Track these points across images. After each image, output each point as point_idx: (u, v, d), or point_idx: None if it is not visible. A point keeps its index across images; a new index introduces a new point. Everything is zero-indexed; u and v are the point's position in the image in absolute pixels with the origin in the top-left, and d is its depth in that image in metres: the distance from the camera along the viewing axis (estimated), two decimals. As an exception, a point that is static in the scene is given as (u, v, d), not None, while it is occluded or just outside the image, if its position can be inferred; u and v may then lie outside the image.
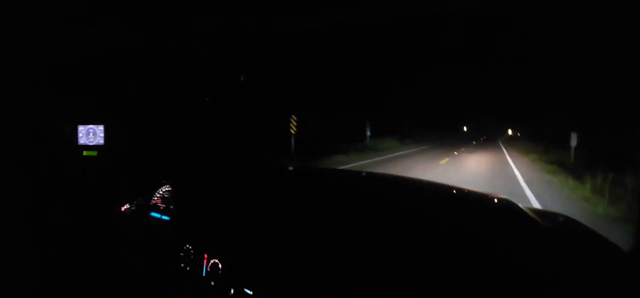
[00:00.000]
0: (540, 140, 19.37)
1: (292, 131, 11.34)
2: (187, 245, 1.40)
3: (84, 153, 2.44)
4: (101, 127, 2.45)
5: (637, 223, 0.93)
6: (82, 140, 2.45)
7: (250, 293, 1.13)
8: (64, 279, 1.63)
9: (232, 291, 1.18)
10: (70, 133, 2.41)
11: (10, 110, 2.10)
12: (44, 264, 1.71)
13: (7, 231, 1.85)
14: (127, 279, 1.55)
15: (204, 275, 1.30)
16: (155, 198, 1.79)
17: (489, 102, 48.32)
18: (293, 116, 11.10)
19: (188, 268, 1.37)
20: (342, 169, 3.97)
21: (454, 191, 1.57)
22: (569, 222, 1.29)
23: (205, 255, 1.32)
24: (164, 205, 1.74)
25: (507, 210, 1.26)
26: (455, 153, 16.53)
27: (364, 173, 1.90)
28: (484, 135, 47.62)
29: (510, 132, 48.85)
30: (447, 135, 35.95)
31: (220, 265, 1.27)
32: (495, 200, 1.36)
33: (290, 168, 2.15)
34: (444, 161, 12.50)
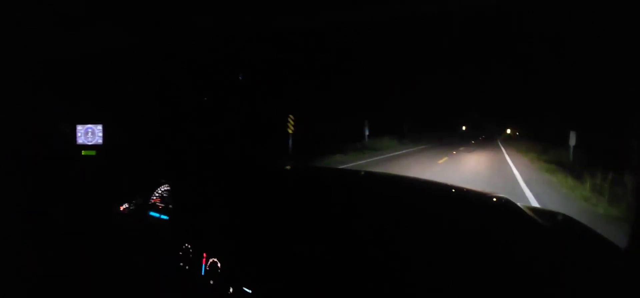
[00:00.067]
0: (539, 139, 19.41)
1: (290, 131, 11.33)
2: (186, 244, 1.41)
3: (83, 152, 2.45)
4: (100, 127, 2.46)
5: (633, 222, 0.94)
6: (81, 139, 2.46)
7: (249, 291, 1.14)
8: (63, 278, 1.64)
9: (231, 290, 1.19)
10: (69, 132, 2.42)
11: (10, 109, 2.11)
12: (44, 263, 1.71)
13: (6, 231, 1.85)
14: (126, 278, 1.56)
15: (203, 274, 1.31)
16: (154, 197, 1.80)
17: (488, 102, 48.47)
18: (290, 116, 11.09)
19: (187, 267, 1.38)
20: (340, 168, 3.96)
21: (453, 190, 1.57)
22: (567, 220, 1.30)
23: (204, 254, 1.32)
24: (162, 205, 1.74)
25: (506, 209, 1.26)
26: (454, 152, 16.55)
27: (362, 173, 1.90)
28: (483, 135, 47.72)
29: (508, 131, 48.93)
30: (446, 135, 35.97)
31: (219, 264, 1.27)
32: (494, 199, 1.36)
33: (289, 167, 2.16)
34: (442, 160, 12.52)
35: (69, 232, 1.83)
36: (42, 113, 2.28)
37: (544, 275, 0.91)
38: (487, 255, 0.99)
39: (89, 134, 2.43)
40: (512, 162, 12.73)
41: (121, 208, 1.84)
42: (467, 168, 10.57)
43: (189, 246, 1.40)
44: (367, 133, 17.53)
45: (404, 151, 16.82)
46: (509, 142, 31.41)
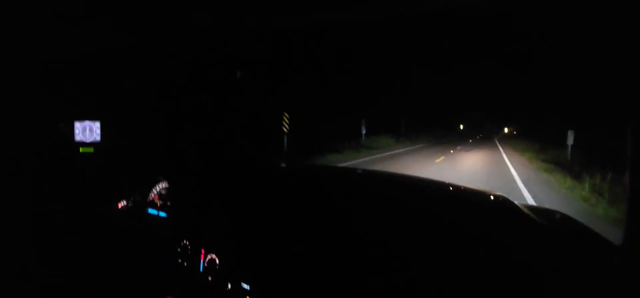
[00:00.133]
0: (536, 138, 19.35)
1: (285, 129, 11.18)
2: (185, 241, 1.43)
3: (81, 149, 2.45)
4: (97, 124, 2.45)
5: (628, 218, 0.94)
6: (79, 136, 2.45)
7: (247, 288, 1.15)
8: (60, 276, 1.66)
9: (229, 286, 1.20)
10: (67, 130, 2.42)
11: (9, 109, 2.11)
12: (41, 261, 1.74)
13: (5, 230, 1.86)
14: (124, 276, 1.57)
15: (201, 270, 1.33)
16: (152, 194, 1.81)
17: (486, 101, 48.44)
18: (285, 114, 10.95)
19: (185, 264, 1.40)
20: (337, 166, 3.95)
21: (449, 188, 1.57)
22: (563, 218, 1.31)
23: (203, 251, 1.34)
24: (161, 202, 1.76)
25: (503, 207, 1.28)
26: (451, 151, 16.50)
27: (359, 171, 1.96)
28: (481, 134, 47.83)
29: (506, 130, 49.01)
30: (444, 134, 36.03)
31: (217, 261, 1.29)
32: (491, 197, 1.37)
33: (286, 165, 2.19)
34: (439, 160, 12.46)
35: (68, 229, 1.85)
36: (41, 112, 2.30)
37: (540, 271, 0.92)
38: (484, 253, 1.00)
39: (87, 131, 2.43)
40: (510, 161, 12.69)
41: (119, 205, 1.85)
42: (464, 168, 10.51)
43: (187, 243, 1.42)
44: (364, 132, 17.42)
45: (400, 150, 16.77)
46: (507, 141, 31.45)
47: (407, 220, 1.20)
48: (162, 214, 1.71)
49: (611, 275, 0.93)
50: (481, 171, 9.90)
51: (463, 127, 55.79)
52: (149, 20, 2.21)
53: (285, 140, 11.23)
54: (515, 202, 1.27)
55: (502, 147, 20.97)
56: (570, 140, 11.30)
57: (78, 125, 2.44)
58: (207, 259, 1.32)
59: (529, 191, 6.63)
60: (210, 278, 1.29)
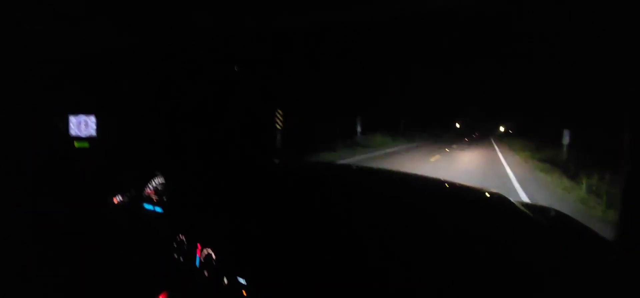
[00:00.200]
0: (532, 137, 19.38)
1: (279, 126, 11.06)
2: (181, 236, 1.41)
3: (76, 144, 2.42)
4: (93, 118, 2.42)
5: (623, 216, 0.97)
6: (74, 131, 2.43)
7: (244, 282, 1.14)
8: (55, 272, 1.66)
9: (225, 280, 1.19)
10: (62, 125, 2.41)
11: (6, 106, 2.11)
12: (36, 258, 1.73)
13: (4, 228, 1.87)
14: (120, 271, 1.55)
15: (197, 265, 1.31)
16: (148, 189, 1.80)
17: (482, 99, 48.61)
18: (279, 111, 10.84)
19: (181, 259, 1.39)
20: (332, 163, 3.97)
21: (446, 185, 1.58)
22: (558, 215, 1.32)
23: (199, 246, 1.32)
24: (156, 197, 1.75)
25: (499, 205, 1.29)
26: (447, 150, 16.51)
27: (354, 167, 1.99)
28: (477, 132, 48.03)
29: (502, 129, 49.22)
30: (440, 132, 36.16)
31: (213, 255, 1.27)
32: (488, 195, 1.39)
33: (281, 162, 2.20)
34: (435, 158, 12.44)
35: (63, 225, 1.86)
36: (39, 111, 2.31)
37: (536, 268, 0.93)
38: (481, 250, 1.01)
39: (82, 126, 2.41)
40: (506, 160, 12.71)
41: (115, 200, 1.85)
42: (460, 167, 10.50)
43: (183, 238, 1.41)
44: (359, 129, 17.34)
45: (396, 148, 16.76)
46: (503, 139, 31.63)
47: (403, 216, 1.21)
48: (158, 209, 1.70)
49: (605, 271, 0.94)
50: (477, 170, 9.89)
51: (459, 126, 56.01)
52: (149, 20, 2.21)
53: (279, 138, 11.14)
54: (512, 200, 1.29)
55: (498, 146, 21.04)
56: (565, 140, 11.31)
57: (73, 119, 2.43)
58: (203, 254, 1.31)
59: (525, 192, 6.59)
60: (206, 273, 1.28)
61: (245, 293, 1.14)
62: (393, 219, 1.21)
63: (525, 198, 6.05)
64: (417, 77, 27.02)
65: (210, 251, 1.29)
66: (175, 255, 1.41)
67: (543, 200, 5.95)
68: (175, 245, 1.42)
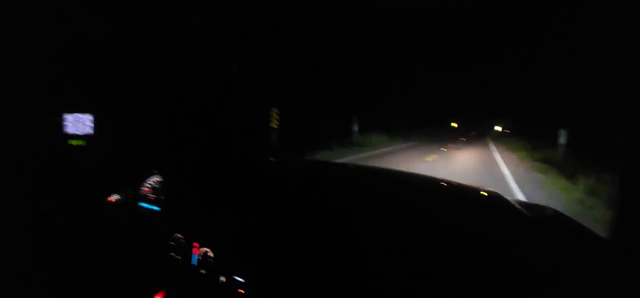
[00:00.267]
0: (528, 136, 19.47)
1: (274, 125, 11.02)
2: (177, 235, 1.43)
3: (72, 142, 2.44)
4: (89, 116, 2.44)
5: (615, 213, 0.98)
6: (69, 129, 2.44)
7: (241, 280, 1.16)
8: (51, 272, 1.66)
9: (222, 279, 1.21)
10: (57, 122, 2.42)
11: (6, 106, 2.12)
12: (32, 258, 1.73)
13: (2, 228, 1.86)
14: (117, 271, 1.56)
15: (194, 264, 1.33)
16: (145, 188, 1.81)
17: (479, 99, 48.78)
18: (275, 109, 10.80)
19: (178, 257, 1.40)
20: (329, 161, 4.00)
21: (443, 184, 1.60)
22: (553, 213, 1.34)
23: (196, 245, 1.35)
24: (153, 195, 1.76)
25: (495, 203, 1.31)
26: (443, 149, 16.54)
27: (350, 166, 2.04)
28: (473, 131, 48.18)
29: (499, 128, 49.44)
30: (437, 131, 36.23)
31: (211, 254, 1.29)
32: (484, 193, 1.41)
33: (277, 160, 2.24)
34: (431, 158, 12.47)
35: (59, 225, 1.85)
36: (37, 110, 2.32)
37: (532, 266, 0.94)
38: (476, 247, 1.02)
39: (79, 123, 2.42)
40: (502, 160, 12.76)
41: (111, 199, 1.85)
42: (457, 167, 10.53)
43: (180, 236, 1.42)
44: (355, 128, 17.34)
45: (392, 147, 16.78)
46: (499, 138, 31.78)
47: (400, 214, 1.22)
48: (155, 208, 1.71)
49: (602, 269, 0.95)
50: (473, 170, 9.92)
51: (456, 125, 56.20)
52: (147, 19, 2.24)
53: (274, 137, 11.11)
54: (508, 198, 1.31)
55: (494, 145, 21.13)
56: (562, 139, 11.36)
57: (69, 118, 2.43)
58: (200, 253, 1.33)
59: (523, 192, 6.60)
60: (203, 272, 1.30)
61: (242, 292, 1.15)
62: (389, 217, 1.22)
63: (522, 198, 5.99)
64: (413, 76, 27.05)
65: (207, 250, 1.30)
66: (172, 254, 1.42)
67: (540, 201, 5.98)
68: (172, 244, 1.43)
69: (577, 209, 5.44)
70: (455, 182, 1.61)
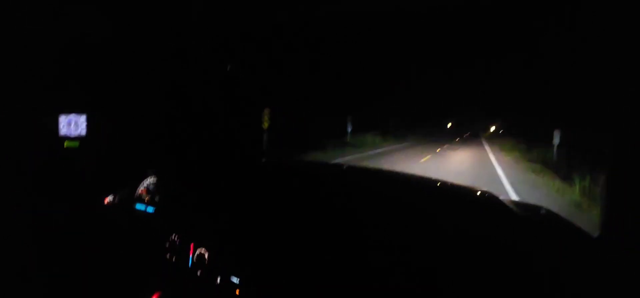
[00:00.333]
0: (522, 137, 19.65)
1: (265, 126, 10.98)
2: (173, 236, 1.44)
3: (65, 144, 2.42)
4: (83, 117, 2.43)
5: (604, 212, 1.02)
6: (64, 130, 2.43)
7: (237, 281, 1.17)
8: (47, 273, 1.68)
9: (218, 280, 1.22)
10: (52, 124, 2.41)
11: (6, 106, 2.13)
12: (29, 259, 1.74)
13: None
14: (112, 273, 1.57)
15: (190, 265, 1.35)
16: (140, 189, 1.82)
17: (473, 99, 49.21)
18: (266, 110, 10.77)
19: (174, 259, 1.42)
20: (324, 162, 4.00)
21: (437, 184, 1.62)
22: (546, 213, 1.36)
23: (191, 245, 1.36)
24: (149, 196, 1.77)
25: (488, 203, 1.33)
26: (438, 150, 16.64)
27: (345, 166, 2.02)
28: (468, 132, 48.55)
29: (493, 128, 49.89)
30: (431, 131, 36.42)
31: (206, 255, 1.31)
32: (477, 193, 1.42)
33: (273, 161, 2.27)
34: (425, 159, 12.53)
35: (55, 226, 1.85)
36: (33, 110, 2.32)
37: (525, 265, 0.96)
38: (469, 246, 1.03)
39: (72, 125, 2.42)
40: (497, 161, 12.84)
41: (106, 201, 1.86)
42: (451, 168, 10.60)
43: (176, 238, 1.43)
44: (349, 129, 17.37)
45: (387, 148, 16.83)
46: (493, 139, 32.02)
47: (393, 214, 1.23)
48: (150, 209, 1.72)
49: (595, 268, 0.97)
50: (467, 171, 9.97)
51: (450, 125, 56.60)
52: (145, 18, 2.26)
53: (265, 137, 11.07)
54: (501, 198, 1.33)
55: (488, 146, 21.28)
56: (556, 140, 11.48)
57: (63, 119, 2.43)
58: (196, 254, 1.34)
59: (517, 194, 6.61)
60: (199, 273, 1.31)
61: (238, 293, 1.17)
62: (383, 217, 1.23)
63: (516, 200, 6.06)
64: (408, 77, 27.21)
65: (203, 251, 1.32)
66: (168, 255, 1.44)
67: (536, 203, 6.00)
68: (168, 245, 1.45)
69: (573, 211, 5.41)
70: (449, 182, 1.63)
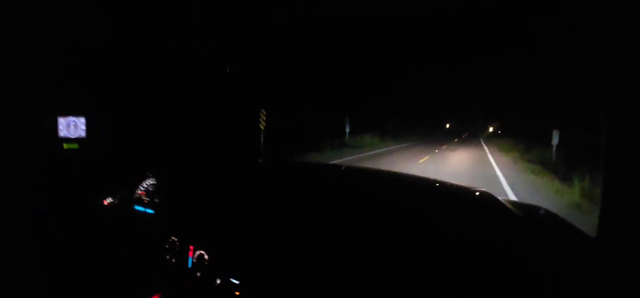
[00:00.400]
0: (521, 137, 19.75)
1: (261, 126, 10.98)
2: (173, 238, 1.45)
3: (65, 146, 2.45)
4: (82, 119, 2.46)
5: (602, 212, 1.02)
6: (63, 132, 2.46)
7: (237, 282, 1.18)
8: (46, 274, 1.69)
9: (218, 281, 1.23)
10: (49, 125, 2.44)
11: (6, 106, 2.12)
12: (28, 260, 1.75)
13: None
14: (112, 274, 1.58)
15: (189, 266, 1.35)
16: (139, 191, 1.84)
17: (471, 100, 49.41)
18: (262, 110, 10.76)
19: (173, 260, 1.43)
20: (321, 163, 4.00)
21: (436, 183, 1.64)
22: (542, 212, 1.39)
23: (191, 247, 1.37)
24: (148, 198, 1.79)
25: (486, 202, 1.34)
26: (436, 151, 16.70)
27: (343, 167, 2.03)
28: (466, 132, 48.75)
29: (491, 129, 50.09)
30: (430, 132, 36.57)
31: (206, 256, 1.31)
32: (476, 193, 1.44)
33: (273, 162, 2.32)
34: (423, 160, 12.55)
35: (54, 228, 1.86)
36: (31, 110, 2.33)
37: (523, 264, 0.98)
38: (467, 246, 1.05)
39: (71, 127, 2.44)
40: (495, 161, 12.87)
41: (105, 202, 1.87)
42: (449, 169, 10.61)
43: (176, 239, 1.44)
44: (347, 130, 17.40)
45: (385, 149, 16.87)
46: (492, 139, 32.15)
47: (391, 214, 1.25)
48: (149, 211, 1.73)
49: (592, 267, 0.99)
50: (466, 172, 9.99)
51: (449, 126, 56.79)
52: (144, 18, 2.25)
53: (262, 138, 11.06)
54: (499, 198, 1.34)
55: (487, 146, 21.36)
56: (555, 140, 11.53)
57: (62, 121, 2.45)
58: (195, 255, 1.35)
59: (516, 196, 6.60)
60: (199, 274, 1.32)
61: (238, 294, 1.18)
62: (382, 218, 1.24)
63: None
64: (407, 77, 27.29)
65: (202, 252, 1.33)
66: (167, 257, 1.44)
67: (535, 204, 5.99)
68: (167, 247, 1.45)
69: (574, 213, 5.34)
70: (447, 182, 1.64)
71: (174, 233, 1.46)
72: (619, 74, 0.91)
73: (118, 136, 2.50)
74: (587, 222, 4.92)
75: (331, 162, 10.79)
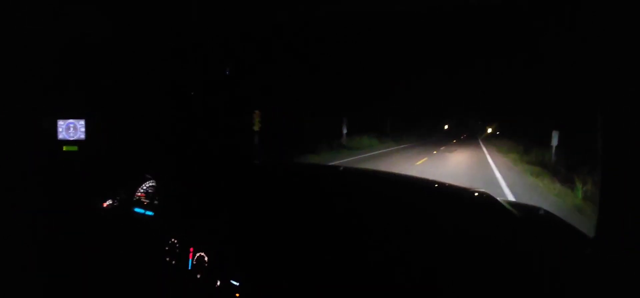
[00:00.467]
0: (520, 138, 19.81)
1: (256, 128, 10.96)
2: (173, 240, 1.46)
3: (64, 148, 2.47)
4: (82, 122, 2.48)
5: (600, 213, 1.03)
6: (62, 134, 2.48)
7: (237, 284, 1.19)
8: (46, 276, 1.69)
9: (218, 283, 1.24)
10: (49, 127, 2.46)
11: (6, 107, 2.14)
12: (27, 261, 1.75)
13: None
14: (111, 277, 1.59)
15: (189, 268, 1.36)
16: (139, 193, 1.86)
17: (470, 101, 49.58)
18: (256, 111, 10.74)
19: (173, 262, 1.43)
20: (319, 164, 4.02)
21: (435, 184, 1.66)
22: (541, 212, 1.42)
23: (191, 249, 1.38)
24: (147, 200, 1.80)
25: (485, 203, 1.36)
26: (435, 152, 16.72)
27: (341, 168, 2.08)
28: (465, 133, 48.91)
29: (490, 130, 50.25)
30: (428, 133, 36.65)
31: (206, 258, 1.32)
32: (475, 194, 1.46)
33: (272, 163, 2.31)
34: (421, 161, 12.57)
35: (53, 230, 1.87)
36: (31, 111, 2.33)
37: (520, 262, 1.01)
38: (465, 246, 1.07)
39: (71, 129, 2.46)
40: (494, 163, 12.88)
41: (104, 205, 1.89)
42: (447, 171, 10.59)
43: (175, 241, 1.45)
44: (345, 131, 17.40)
45: (383, 150, 16.88)
46: (490, 140, 32.21)
47: (393, 215, 1.26)
48: (149, 213, 1.74)
49: (591, 267, 1.00)
50: (464, 174, 9.97)
51: (447, 127, 56.93)
52: (143, 19, 2.27)
53: (256, 139, 11.04)
54: (498, 198, 1.36)
55: (486, 148, 21.39)
56: (554, 141, 11.54)
57: (61, 123, 2.47)
58: (195, 257, 1.36)
59: (516, 198, 6.52)
60: (199, 276, 1.33)
61: (238, 296, 1.19)
62: (381, 218, 1.26)
63: (515, 203, 6.01)
64: (406, 78, 27.38)
65: (202, 254, 1.34)
66: (167, 259, 1.45)
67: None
68: (167, 249, 1.47)
69: (577, 217, 5.26)
70: (446, 183, 1.66)
71: (174, 235, 1.47)
72: (618, 74, 0.92)
73: (118, 137, 2.51)
74: (592, 225, 4.89)
75: (329, 164, 10.80)
